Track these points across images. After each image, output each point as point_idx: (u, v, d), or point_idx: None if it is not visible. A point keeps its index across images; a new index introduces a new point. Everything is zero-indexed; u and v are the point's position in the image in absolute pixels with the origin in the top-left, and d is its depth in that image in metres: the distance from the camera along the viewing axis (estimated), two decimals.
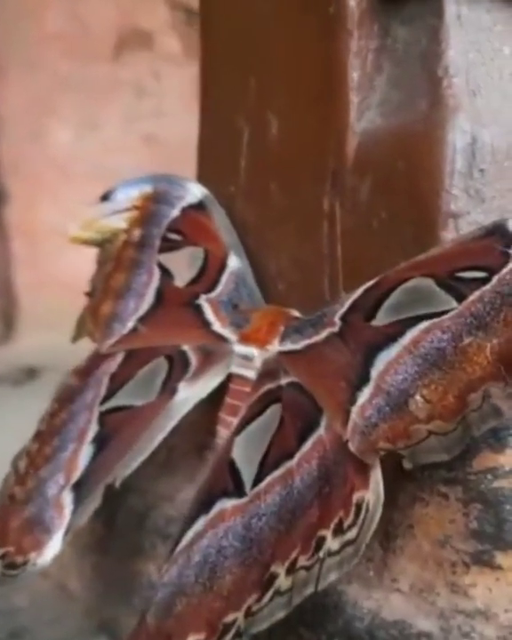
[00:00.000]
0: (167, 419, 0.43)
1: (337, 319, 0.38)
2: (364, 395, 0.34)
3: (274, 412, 0.37)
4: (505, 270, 0.32)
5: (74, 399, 0.47)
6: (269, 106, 0.46)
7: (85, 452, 0.44)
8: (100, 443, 0.44)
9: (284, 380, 0.38)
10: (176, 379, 0.44)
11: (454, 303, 0.33)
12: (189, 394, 0.43)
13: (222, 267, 0.46)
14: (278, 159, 0.46)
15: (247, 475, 0.36)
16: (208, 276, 0.46)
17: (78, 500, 0.42)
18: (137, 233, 0.51)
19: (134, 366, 0.46)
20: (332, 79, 0.42)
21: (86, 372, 0.48)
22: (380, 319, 0.36)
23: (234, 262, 0.46)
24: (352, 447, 0.33)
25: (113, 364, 0.47)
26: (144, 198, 0.51)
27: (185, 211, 0.49)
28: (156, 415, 0.43)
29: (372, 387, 0.34)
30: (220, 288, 0.46)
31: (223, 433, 0.40)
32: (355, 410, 0.34)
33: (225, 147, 0.50)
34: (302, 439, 0.35)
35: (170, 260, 0.49)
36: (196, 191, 0.49)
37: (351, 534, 0.32)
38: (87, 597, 0.52)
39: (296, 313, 0.42)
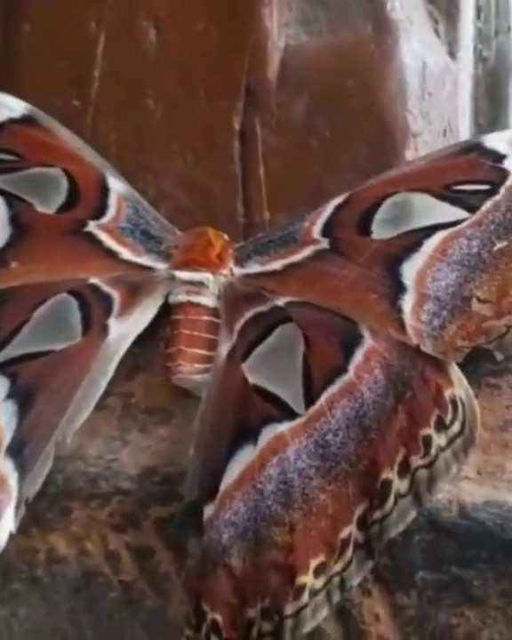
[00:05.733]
0: (106, 360, 0.38)
1: (317, 236, 0.38)
2: (408, 303, 0.35)
3: (286, 332, 0.36)
4: (510, 182, 0.36)
5: None
6: (143, 13, 0.42)
7: (4, 412, 0.37)
8: (23, 398, 0.37)
9: (280, 301, 0.37)
10: (100, 315, 0.38)
11: (465, 214, 0.36)
12: (124, 330, 0.38)
13: (104, 189, 0.41)
14: (157, 73, 0.43)
15: (289, 396, 0.34)
16: (87, 200, 0.41)
17: (22, 466, 0.35)
18: None
19: (23, 308, 0.39)
20: None
21: None
22: (380, 233, 0.37)
23: (118, 185, 0.42)
24: (429, 350, 0.34)
25: None
26: None
27: (5, 127, 0.43)
28: (91, 357, 0.37)
29: (413, 294, 0.35)
30: (111, 213, 0.41)
31: (187, 368, 0.37)
32: (407, 317, 0.35)
33: (61, 55, 0.44)
34: (348, 353, 0.35)
35: (14, 184, 0.42)
36: (14, 105, 0.43)
37: (455, 428, 0.33)
38: None
39: (226, 236, 0.41)
